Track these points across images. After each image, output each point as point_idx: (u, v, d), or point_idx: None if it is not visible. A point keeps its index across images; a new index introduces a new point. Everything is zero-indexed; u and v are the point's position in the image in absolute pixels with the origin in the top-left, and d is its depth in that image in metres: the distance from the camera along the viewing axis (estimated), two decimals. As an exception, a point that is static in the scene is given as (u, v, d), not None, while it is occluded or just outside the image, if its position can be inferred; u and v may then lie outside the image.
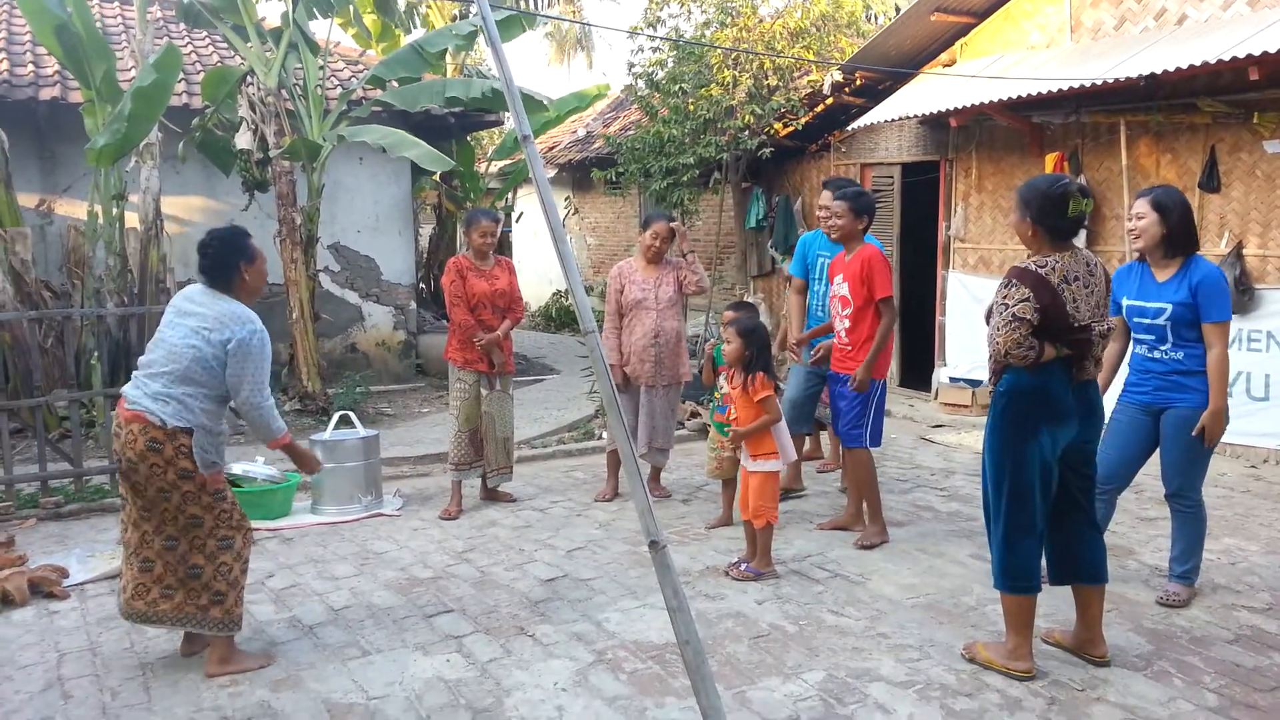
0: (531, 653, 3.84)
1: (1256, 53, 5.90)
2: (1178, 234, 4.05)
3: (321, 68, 9.33)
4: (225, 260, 3.71)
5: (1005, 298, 3.38)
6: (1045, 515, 3.52)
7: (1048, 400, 3.42)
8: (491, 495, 6.09)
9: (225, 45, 10.54)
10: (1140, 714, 3.30)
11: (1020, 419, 3.44)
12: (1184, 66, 6.27)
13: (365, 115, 9.44)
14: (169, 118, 8.64)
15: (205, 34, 11.11)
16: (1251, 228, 6.93)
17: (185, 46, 10.92)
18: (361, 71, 10.74)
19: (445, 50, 9.52)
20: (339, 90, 9.96)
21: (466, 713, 3.36)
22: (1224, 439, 6.77)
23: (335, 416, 6.10)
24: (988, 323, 3.48)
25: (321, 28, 10.22)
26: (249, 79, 8.76)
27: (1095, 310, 3.45)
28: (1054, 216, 3.42)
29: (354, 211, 10.67)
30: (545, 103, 10.44)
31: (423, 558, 5.03)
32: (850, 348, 5.07)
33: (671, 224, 5.85)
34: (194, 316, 3.64)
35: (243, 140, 8.76)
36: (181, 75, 10.04)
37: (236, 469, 5.89)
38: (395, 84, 9.73)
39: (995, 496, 3.54)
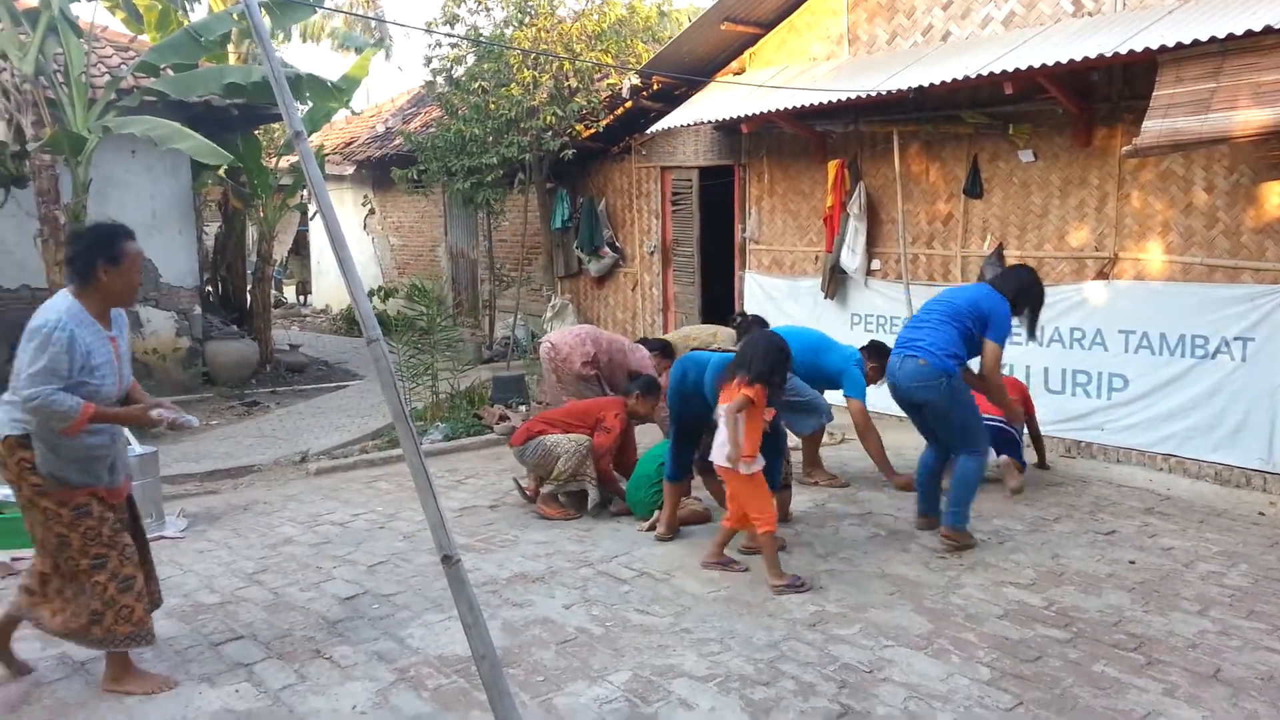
0: (328, 676, 3.68)
1: (1010, 69, 6.44)
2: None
3: (87, 53, 8.60)
4: (84, 258, 3.45)
5: None
6: None
7: None
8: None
9: (-28, 26, 9.54)
10: (922, 691, 3.53)
11: None
12: (947, 80, 6.76)
13: (136, 105, 8.76)
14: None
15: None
16: (1010, 230, 7.55)
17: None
18: (132, 58, 9.96)
19: (226, 36, 8.98)
20: (106, 78, 9.20)
21: (258, 746, 3.19)
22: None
23: (107, 434, 5.63)
24: None
25: (86, 10, 9.43)
26: (1, 64, 7.97)
27: None
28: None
29: (127, 209, 9.86)
30: (331, 86, 9.89)
31: (209, 582, 4.73)
32: None
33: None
34: None
35: (-5, 131, 7.97)
36: (-81, 58, 9.03)
37: (-6, 495, 5.37)
38: (170, 72, 9.09)
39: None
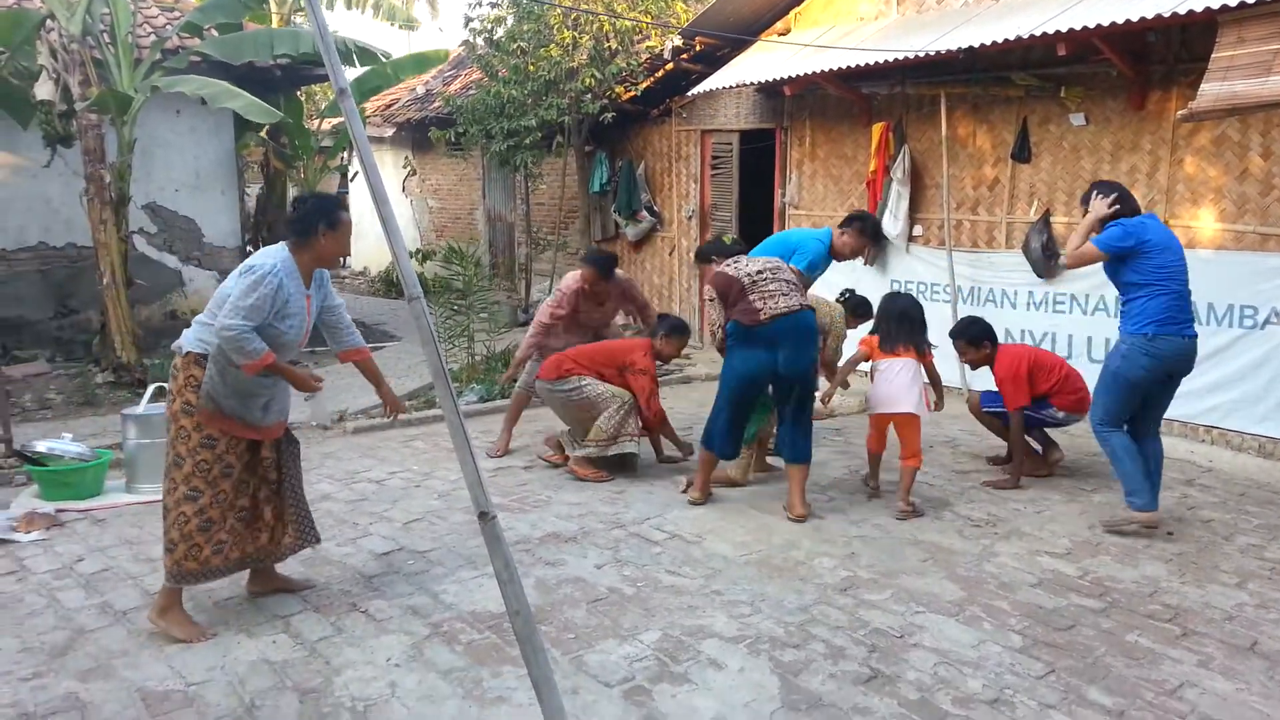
0: (364, 629, 3.74)
1: (1064, 29, 6.26)
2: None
3: (133, 14, 8.66)
4: (308, 219, 3.74)
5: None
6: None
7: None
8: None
9: (20, -15, 9.65)
10: (952, 657, 3.52)
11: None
12: (999, 41, 6.59)
13: (183, 65, 8.83)
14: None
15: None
16: (1058, 196, 7.39)
17: (-28, -15, 9.94)
18: (177, 19, 10.03)
19: (267, -7, 9.01)
20: (152, 38, 9.28)
21: (293, 694, 3.25)
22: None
23: (150, 389, 5.75)
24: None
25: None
26: (49, 24, 8.05)
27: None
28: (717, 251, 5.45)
29: (171, 168, 10.02)
30: (381, 56, 9.94)
31: (249, 535, 4.81)
32: None
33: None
34: None
35: (43, 90, 8.06)
36: (-31, 17, 9.15)
37: (41, 446, 5.52)
38: (214, 32, 9.14)
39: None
